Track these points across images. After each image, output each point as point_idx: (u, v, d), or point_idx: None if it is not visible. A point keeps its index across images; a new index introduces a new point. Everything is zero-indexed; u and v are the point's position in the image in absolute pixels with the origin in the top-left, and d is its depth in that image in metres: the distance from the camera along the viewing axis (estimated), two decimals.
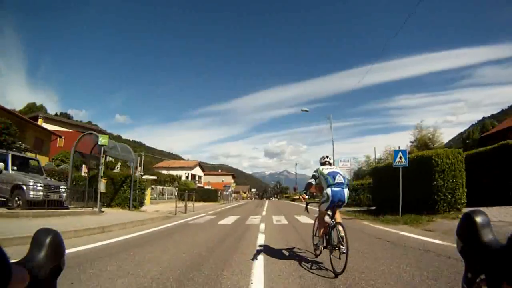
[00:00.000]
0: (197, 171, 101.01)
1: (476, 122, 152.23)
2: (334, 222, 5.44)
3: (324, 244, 5.67)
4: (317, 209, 6.05)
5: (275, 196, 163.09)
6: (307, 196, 6.27)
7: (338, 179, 5.53)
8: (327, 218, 5.71)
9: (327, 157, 6.23)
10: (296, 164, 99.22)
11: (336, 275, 4.81)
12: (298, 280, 4.79)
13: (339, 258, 5.00)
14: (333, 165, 6.20)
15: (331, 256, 5.31)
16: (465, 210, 10.40)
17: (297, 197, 57.81)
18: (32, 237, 0.98)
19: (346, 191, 5.49)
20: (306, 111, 38.12)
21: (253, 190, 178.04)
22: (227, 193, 60.62)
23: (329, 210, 5.63)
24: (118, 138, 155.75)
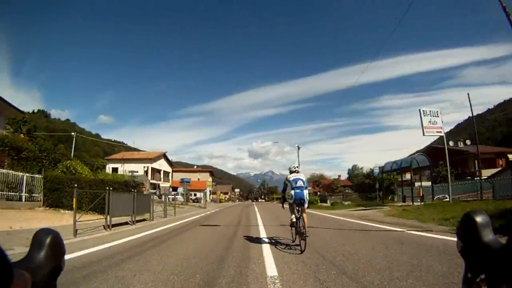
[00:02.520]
0: (162, 165, 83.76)
1: (462, 121, 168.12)
2: (300, 215, 8.00)
3: (294, 231, 8.55)
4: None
5: (262, 197, 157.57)
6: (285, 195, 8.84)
7: (299, 183, 8.15)
8: (294, 213, 8.24)
9: (296, 166, 8.92)
10: (296, 166, 75.17)
11: (301, 252, 7.44)
12: (281, 253, 7.78)
13: (304, 240, 7.57)
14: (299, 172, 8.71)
15: (300, 239, 7.74)
16: None
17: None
18: (32, 238, 0.98)
19: (305, 192, 8.19)
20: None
21: (237, 190, 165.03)
22: (183, 192, 39.63)
23: (296, 206, 8.17)
24: (96, 136, 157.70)
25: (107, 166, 74.28)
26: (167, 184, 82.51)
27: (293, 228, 8.47)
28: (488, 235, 0.89)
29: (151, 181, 70.94)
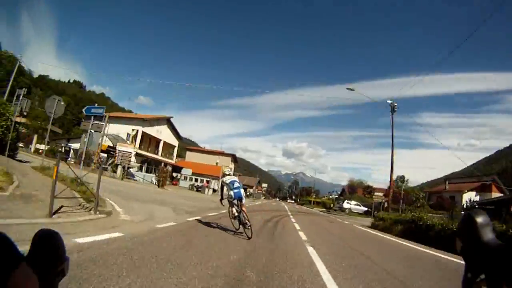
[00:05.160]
0: (163, 133, 63.04)
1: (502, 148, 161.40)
2: (240, 210, 10.08)
3: (237, 222, 10.31)
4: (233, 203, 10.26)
5: (292, 197, 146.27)
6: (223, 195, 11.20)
7: (236, 184, 10.31)
8: (235, 208, 10.23)
9: (229, 170, 11.13)
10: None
11: (249, 238, 9.37)
12: (232, 238, 9.21)
13: (248, 230, 9.63)
14: (233, 175, 10.90)
15: (244, 229, 9.91)
16: None
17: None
18: (32, 238, 0.97)
19: (242, 191, 10.30)
20: (351, 89, 31.49)
21: (264, 185, 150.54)
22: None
23: (237, 203, 10.12)
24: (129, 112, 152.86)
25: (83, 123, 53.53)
26: (170, 161, 60.12)
27: (236, 220, 10.40)
28: (488, 235, 0.90)
29: (143, 152, 52.25)
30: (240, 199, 10.16)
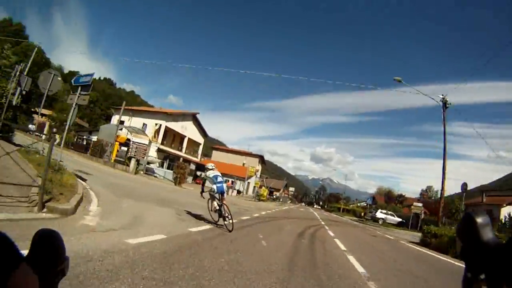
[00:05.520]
0: (188, 129, 59.32)
1: None
2: (221, 203, 10.39)
3: (217, 215, 10.54)
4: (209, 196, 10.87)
5: (319, 203, 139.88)
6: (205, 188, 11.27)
7: (219, 179, 10.64)
8: (216, 201, 10.49)
9: (211, 165, 11.19)
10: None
11: (230, 231, 9.69)
12: (216, 230, 9.59)
13: (229, 223, 9.97)
14: (216, 170, 11.03)
15: (224, 222, 10.21)
16: None
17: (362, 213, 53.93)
18: (32, 238, 0.94)
19: (225, 185, 10.76)
20: (399, 81, 26.85)
21: (291, 189, 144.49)
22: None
23: (218, 196, 10.44)
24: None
25: (113, 118, 54.83)
26: (195, 159, 57.19)
27: (216, 214, 10.63)
28: (488, 235, 0.89)
29: (165, 148, 49.46)
30: (222, 193, 10.66)
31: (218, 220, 10.64)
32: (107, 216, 7.82)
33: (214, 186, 10.50)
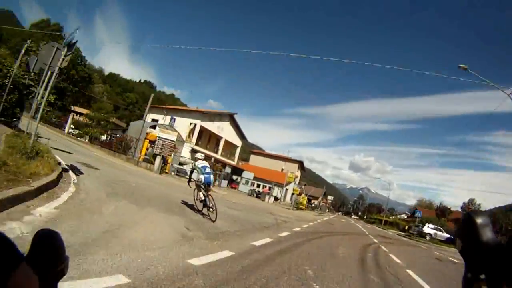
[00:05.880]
0: (224, 130, 56.31)
1: None
2: (207, 194, 10.43)
3: (202, 205, 10.69)
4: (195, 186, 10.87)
5: (358, 214, 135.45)
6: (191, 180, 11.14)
7: (207, 170, 10.64)
8: (202, 192, 10.50)
9: (201, 155, 11.26)
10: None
11: (213, 221, 9.70)
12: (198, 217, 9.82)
13: (213, 213, 10.04)
14: (205, 160, 11.24)
15: (208, 212, 10.31)
16: None
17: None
18: (32, 238, 0.95)
19: (212, 176, 10.71)
20: (465, 69, 21.95)
21: (330, 197, 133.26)
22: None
23: (204, 187, 10.45)
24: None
25: (147, 116, 50.20)
26: (231, 162, 55.91)
27: (201, 203, 10.72)
28: (488, 235, 0.89)
29: (199, 149, 44.92)
30: (208, 184, 10.70)
31: (202, 209, 10.90)
32: (56, 225, 4.67)
33: (202, 177, 10.62)
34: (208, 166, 10.98)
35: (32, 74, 16.44)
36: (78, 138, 31.01)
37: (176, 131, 28.02)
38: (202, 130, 48.43)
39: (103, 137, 30.66)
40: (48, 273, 0.89)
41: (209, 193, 10.57)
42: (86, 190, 8.20)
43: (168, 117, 47.90)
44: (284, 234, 11.85)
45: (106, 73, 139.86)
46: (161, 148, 26.34)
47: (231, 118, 56.24)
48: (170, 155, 27.77)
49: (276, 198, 50.12)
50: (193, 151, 44.34)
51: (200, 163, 10.83)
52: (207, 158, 31.61)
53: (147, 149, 28.31)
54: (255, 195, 51.04)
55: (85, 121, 48.17)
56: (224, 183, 51.45)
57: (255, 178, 60.61)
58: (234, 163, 58.94)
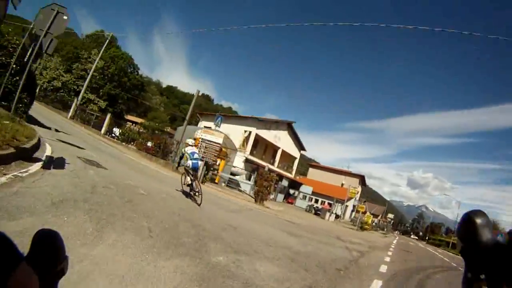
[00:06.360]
0: (282, 139, 51.29)
1: None
2: (193, 179, 10.93)
3: (188, 189, 11.16)
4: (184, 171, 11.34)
5: (419, 234, 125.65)
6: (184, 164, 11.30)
7: (196, 156, 10.92)
8: (189, 177, 10.91)
9: (191, 141, 11.59)
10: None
11: (199, 205, 10.22)
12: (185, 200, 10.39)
13: (198, 197, 10.57)
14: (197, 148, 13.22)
15: (194, 196, 10.86)
16: None
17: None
18: (32, 238, 0.94)
19: (200, 162, 11.77)
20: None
21: (390, 216, 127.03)
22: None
23: (191, 172, 10.87)
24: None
25: (200, 123, 51.21)
26: (288, 175, 52.41)
27: (188, 188, 11.19)
28: (488, 235, 0.88)
29: (254, 159, 42.79)
30: (195, 169, 11.11)
31: (190, 193, 11.33)
32: None
33: (190, 162, 10.86)
34: (197, 152, 11.46)
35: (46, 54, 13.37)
36: (123, 143, 28.25)
37: (222, 132, 23.51)
38: (258, 138, 44.44)
39: (149, 143, 27.49)
40: (48, 272, 0.88)
41: (196, 178, 11.33)
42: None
43: (222, 125, 43.58)
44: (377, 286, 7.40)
45: (164, 86, 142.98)
46: (204, 152, 21.78)
47: (289, 127, 51.61)
48: (215, 161, 23.42)
49: (337, 216, 45.26)
50: (247, 161, 40.77)
51: (189, 149, 11.18)
52: (263, 168, 27.61)
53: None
54: (313, 211, 46.41)
55: (139, 129, 46.57)
56: (280, 197, 47.63)
57: (313, 193, 56.68)
58: (291, 175, 54.49)
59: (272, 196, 35.10)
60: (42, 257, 0.88)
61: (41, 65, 52.61)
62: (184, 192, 11.46)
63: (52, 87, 50.78)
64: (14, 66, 12.08)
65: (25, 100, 13.64)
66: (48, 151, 9.14)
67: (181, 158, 11.49)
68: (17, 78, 12.32)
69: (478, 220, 0.88)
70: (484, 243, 0.85)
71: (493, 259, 0.81)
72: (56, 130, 16.24)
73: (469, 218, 0.91)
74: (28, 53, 12.30)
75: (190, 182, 10.97)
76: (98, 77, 53.95)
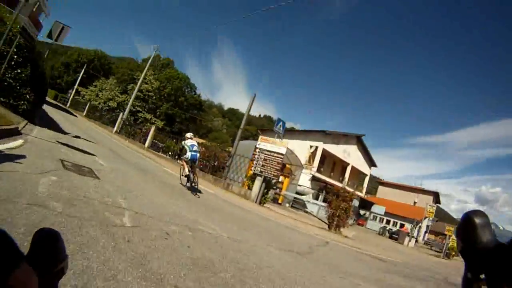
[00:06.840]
0: (351, 154, 46.38)
1: None
2: (191, 170, 11.42)
3: (186, 179, 11.57)
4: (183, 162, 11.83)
5: None
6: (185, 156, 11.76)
7: (195, 148, 11.55)
8: (187, 168, 11.35)
9: (190, 135, 12.31)
10: None
11: (195, 195, 10.72)
12: (182, 190, 10.68)
13: (196, 188, 11.30)
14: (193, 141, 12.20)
15: (192, 186, 11.32)
16: None
17: None
18: (32, 238, 0.95)
19: (198, 154, 11.75)
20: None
21: None
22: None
23: (190, 164, 11.43)
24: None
25: (260, 138, 44.56)
26: (359, 193, 45.92)
27: (185, 178, 11.58)
28: (488, 235, 0.88)
29: (322, 176, 38.89)
30: (194, 161, 11.59)
31: (187, 184, 11.76)
32: None
33: (189, 154, 11.42)
34: (196, 145, 11.99)
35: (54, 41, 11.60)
36: (167, 156, 27.53)
37: (284, 141, 18.97)
38: (325, 154, 40.27)
39: None
40: (48, 272, 0.88)
41: (194, 169, 11.88)
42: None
43: (285, 141, 40.40)
44: None
45: (226, 108, 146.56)
46: (262, 166, 17.48)
47: (358, 141, 46.63)
48: (277, 176, 18.43)
49: (416, 240, 39.71)
50: (314, 179, 36.68)
51: (189, 142, 11.85)
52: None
53: (251, 169, 20.35)
54: (387, 234, 41.74)
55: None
56: (350, 220, 41.66)
57: (385, 214, 51.28)
58: (362, 194, 49.01)
59: (351, 221, 30.92)
60: (42, 257, 0.87)
61: (97, 87, 55.71)
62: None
63: (108, 107, 51.77)
64: (15, 56, 9.76)
65: (27, 96, 11.38)
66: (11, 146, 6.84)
67: (181, 150, 12.41)
68: (19, 70, 10.16)
69: (478, 220, 0.88)
70: (484, 243, 0.85)
71: (493, 260, 0.80)
72: (77, 137, 14.14)
73: (469, 218, 0.90)
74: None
75: (188, 174, 11.41)
76: (154, 97, 55.03)
